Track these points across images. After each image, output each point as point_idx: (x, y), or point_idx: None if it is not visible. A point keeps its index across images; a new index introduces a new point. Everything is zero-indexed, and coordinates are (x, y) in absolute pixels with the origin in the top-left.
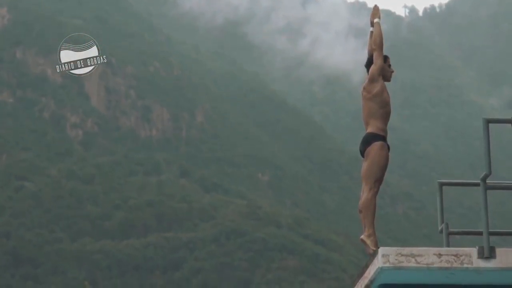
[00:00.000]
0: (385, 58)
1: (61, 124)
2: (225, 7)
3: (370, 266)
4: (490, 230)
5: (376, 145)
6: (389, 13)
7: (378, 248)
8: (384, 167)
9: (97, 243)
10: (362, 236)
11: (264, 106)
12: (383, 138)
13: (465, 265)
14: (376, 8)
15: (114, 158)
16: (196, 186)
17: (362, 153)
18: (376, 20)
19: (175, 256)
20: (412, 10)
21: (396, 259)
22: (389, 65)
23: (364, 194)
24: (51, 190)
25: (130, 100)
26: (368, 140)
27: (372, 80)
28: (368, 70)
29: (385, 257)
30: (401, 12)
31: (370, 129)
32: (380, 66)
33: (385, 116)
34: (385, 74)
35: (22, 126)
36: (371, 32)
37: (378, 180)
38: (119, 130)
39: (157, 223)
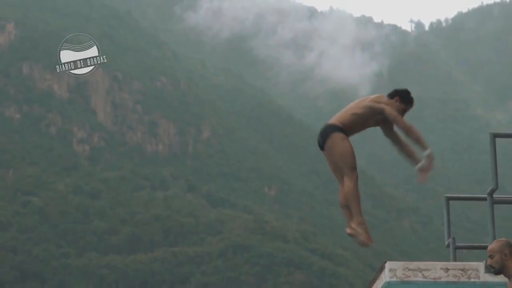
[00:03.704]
0: (408, 96)
1: (67, 139)
2: (231, 21)
3: (377, 280)
4: None
5: (337, 136)
6: (395, 28)
7: (372, 242)
8: (353, 153)
9: (104, 258)
10: (351, 225)
11: (271, 121)
12: (342, 131)
13: (472, 280)
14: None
15: (120, 173)
16: (202, 201)
17: (322, 146)
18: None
19: (182, 271)
20: (418, 25)
21: (403, 274)
22: (411, 101)
23: (347, 184)
24: (57, 205)
25: (136, 115)
26: (327, 131)
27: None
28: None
29: (392, 272)
30: (407, 26)
31: (330, 121)
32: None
33: (363, 122)
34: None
35: (28, 141)
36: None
37: (354, 167)
38: (126, 145)
39: (164, 238)
